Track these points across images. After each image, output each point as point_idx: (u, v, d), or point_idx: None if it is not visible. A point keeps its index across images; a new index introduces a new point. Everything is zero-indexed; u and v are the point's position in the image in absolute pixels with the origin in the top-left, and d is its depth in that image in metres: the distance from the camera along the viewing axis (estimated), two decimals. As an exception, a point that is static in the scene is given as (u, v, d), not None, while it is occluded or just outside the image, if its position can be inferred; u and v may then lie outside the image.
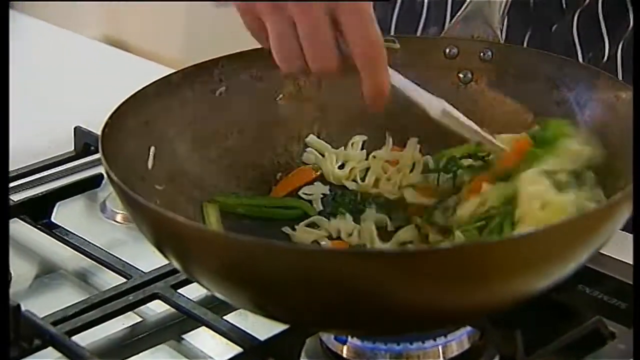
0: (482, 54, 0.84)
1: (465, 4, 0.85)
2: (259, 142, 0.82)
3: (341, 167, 0.84)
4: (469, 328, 0.71)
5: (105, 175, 0.92)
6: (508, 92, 0.82)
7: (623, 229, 0.84)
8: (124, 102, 0.75)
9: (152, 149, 0.76)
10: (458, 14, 0.85)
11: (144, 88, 0.77)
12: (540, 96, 0.81)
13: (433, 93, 0.78)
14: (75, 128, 0.99)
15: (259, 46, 0.76)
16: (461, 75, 0.84)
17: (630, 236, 0.87)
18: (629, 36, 0.98)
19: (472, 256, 0.58)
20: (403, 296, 0.59)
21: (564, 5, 0.97)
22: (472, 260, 0.58)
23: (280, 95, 0.83)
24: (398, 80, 0.74)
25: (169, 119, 0.78)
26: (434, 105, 0.74)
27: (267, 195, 0.82)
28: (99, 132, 0.72)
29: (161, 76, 0.80)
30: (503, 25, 0.95)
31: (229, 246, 0.59)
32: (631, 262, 0.80)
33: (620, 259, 0.81)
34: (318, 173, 0.84)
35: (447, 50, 0.84)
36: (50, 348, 0.71)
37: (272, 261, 0.57)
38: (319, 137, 0.84)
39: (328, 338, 0.72)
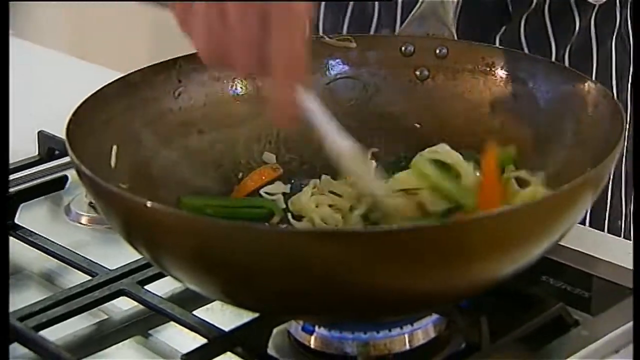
0: (437, 51, 0.85)
1: (419, 4, 0.86)
2: (219, 142, 0.83)
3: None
4: (435, 317, 0.72)
5: (69, 178, 0.93)
6: (465, 88, 0.84)
7: (582, 223, 0.86)
8: (85, 101, 0.75)
9: (114, 147, 0.76)
10: (412, 13, 0.87)
11: (103, 88, 0.77)
12: (496, 90, 0.82)
13: (391, 90, 0.80)
14: (38, 132, 0.99)
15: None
16: (418, 73, 0.85)
17: (592, 230, 0.89)
18: (575, 40, 1.00)
19: (437, 236, 0.59)
20: (367, 277, 0.60)
21: (511, 9, 0.99)
22: (436, 241, 0.59)
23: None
24: (312, 108, 0.70)
25: (129, 118, 0.78)
26: (341, 145, 0.71)
27: (229, 194, 0.82)
28: (63, 132, 0.72)
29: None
30: (453, 24, 0.97)
31: (197, 228, 0.59)
32: (592, 254, 0.82)
33: (582, 250, 0.82)
34: (279, 172, 0.84)
35: (403, 48, 0.86)
36: (15, 344, 0.70)
37: (239, 242, 0.58)
38: (277, 137, 0.84)
39: (295, 329, 0.72)
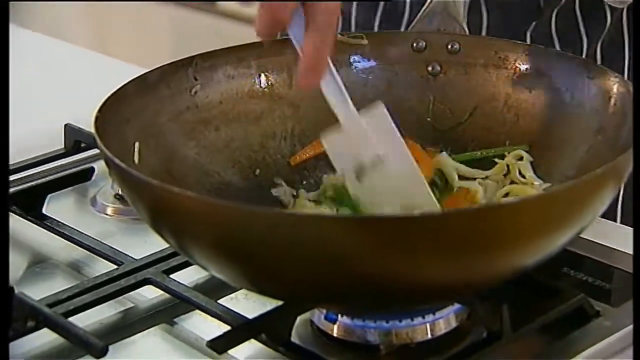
0: (449, 46, 0.85)
1: (429, 1, 0.87)
2: (235, 139, 0.84)
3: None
4: (456, 306, 0.73)
5: (95, 170, 0.94)
6: (478, 82, 0.84)
7: (606, 217, 0.86)
8: (107, 99, 0.76)
9: (137, 144, 0.77)
10: (422, 9, 0.88)
11: (123, 86, 0.78)
12: (510, 84, 0.83)
13: (403, 86, 0.82)
14: (65, 125, 1.00)
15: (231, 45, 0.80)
16: (430, 68, 0.86)
17: (612, 222, 0.90)
18: (607, 34, 1.00)
19: (466, 222, 0.60)
20: (390, 265, 0.61)
21: (542, 4, 0.99)
22: (464, 227, 0.60)
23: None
24: (332, 79, 0.74)
25: (149, 116, 0.79)
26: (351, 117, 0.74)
27: (248, 190, 0.82)
28: (89, 126, 0.73)
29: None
30: (482, 23, 0.98)
31: (223, 214, 0.60)
32: (613, 247, 0.82)
33: (602, 243, 0.82)
34: None
35: (415, 44, 0.86)
36: (44, 330, 0.72)
37: (265, 228, 0.59)
38: (292, 134, 0.85)
39: (318, 318, 0.73)
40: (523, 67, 0.83)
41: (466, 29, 0.85)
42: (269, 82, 0.85)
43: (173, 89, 0.81)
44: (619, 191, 0.99)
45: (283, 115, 0.85)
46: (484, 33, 0.99)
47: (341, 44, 0.86)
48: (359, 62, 0.87)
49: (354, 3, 1.06)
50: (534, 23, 0.99)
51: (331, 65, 0.73)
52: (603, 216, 0.85)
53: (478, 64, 0.84)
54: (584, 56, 0.99)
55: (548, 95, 0.80)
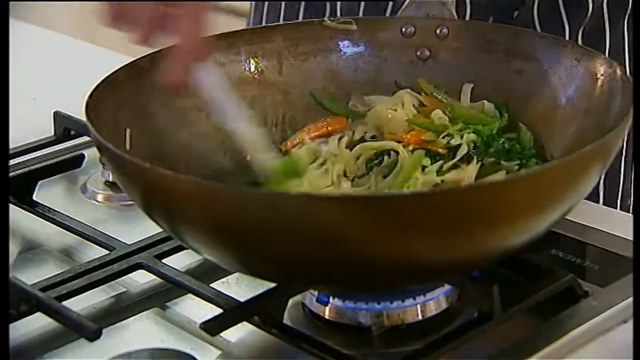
0: (438, 31, 0.86)
1: None
2: (226, 126, 0.84)
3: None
4: (447, 287, 0.73)
5: (85, 156, 0.94)
6: (467, 66, 0.85)
7: (591, 199, 0.87)
8: (98, 86, 0.76)
9: (128, 131, 0.77)
10: None
11: (114, 72, 0.79)
12: (499, 67, 0.83)
13: (393, 71, 0.83)
14: (54, 113, 1.01)
15: (221, 32, 0.81)
16: (419, 53, 0.87)
17: (601, 206, 0.91)
18: (588, 22, 1.00)
19: (454, 201, 0.60)
20: (379, 245, 0.61)
21: None
22: (452, 206, 0.60)
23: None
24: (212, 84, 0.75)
25: (139, 102, 0.79)
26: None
27: (241, 176, 0.82)
28: (79, 113, 0.73)
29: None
30: (466, 12, 0.98)
31: (215, 196, 0.61)
32: (602, 229, 0.83)
33: (591, 225, 0.83)
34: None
35: (404, 29, 0.87)
36: (37, 314, 0.72)
37: (255, 209, 0.59)
38: (283, 120, 0.86)
39: (310, 300, 0.74)
40: (511, 50, 0.83)
41: (455, 13, 0.86)
42: (259, 69, 0.86)
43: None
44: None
45: (273, 102, 0.86)
46: None
47: (330, 29, 0.87)
48: (348, 47, 0.87)
49: (302, 3, 1.07)
50: (517, 11, 1.00)
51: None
52: (587, 198, 0.87)
53: (467, 48, 0.85)
54: None
55: (536, 77, 0.81)
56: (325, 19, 0.87)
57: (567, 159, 0.66)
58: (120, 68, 0.79)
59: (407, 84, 0.86)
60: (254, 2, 1.13)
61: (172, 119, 0.81)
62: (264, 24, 1.10)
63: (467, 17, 0.99)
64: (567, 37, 1.00)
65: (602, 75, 0.76)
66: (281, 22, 1.06)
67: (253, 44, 0.85)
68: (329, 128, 0.84)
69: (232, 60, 0.85)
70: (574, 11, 1.00)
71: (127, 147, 0.76)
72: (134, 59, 0.81)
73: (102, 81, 0.77)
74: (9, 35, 0.81)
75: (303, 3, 1.07)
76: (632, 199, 1.04)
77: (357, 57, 0.87)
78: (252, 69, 0.85)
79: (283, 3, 1.08)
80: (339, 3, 1.06)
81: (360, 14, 1.06)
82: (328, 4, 1.04)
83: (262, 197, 0.62)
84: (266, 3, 1.10)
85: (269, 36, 0.85)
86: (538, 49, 0.82)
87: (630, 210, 1.01)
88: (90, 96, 0.75)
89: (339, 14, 1.06)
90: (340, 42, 0.87)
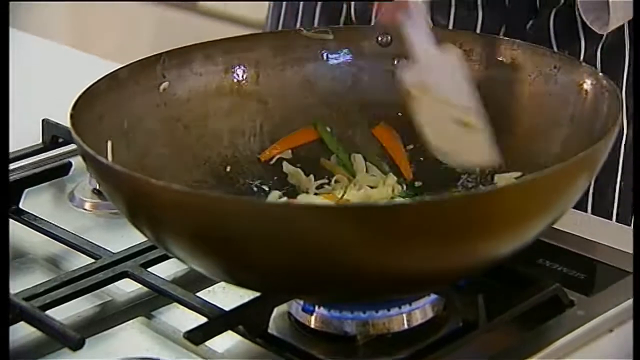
0: None
1: None
2: (204, 136, 0.84)
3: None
4: (432, 297, 0.73)
5: (72, 164, 0.94)
6: None
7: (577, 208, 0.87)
8: (80, 97, 0.76)
9: (109, 142, 0.77)
10: None
11: (95, 83, 0.78)
12: (476, 75, 0.82)
13: (370, 81, 0.83)
14: (43, 120, 1.00)
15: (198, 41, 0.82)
16: (396, 62, 0.86)
17: (588, 215, 0.91)
18: (607, 39, 0.97)
19: (440, 212, 0.60)
20: (365, 255, 0.61)
21: (538, 3, 0.98)
22: (438, 217, 0.60)
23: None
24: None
25: (119, 113, 0.79)
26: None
27: (220, 187, 0.82)
28: (67, 121, 0.73)
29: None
30: (477, 22, 0.98)
31: (198, 204, 0.60)
32: (589, 238, 0.83)
33: (578, 234, 0.83)
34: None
35: (380, 38, 0.87)
36: (21, 323, 0.72)
37: (240, 217, 0.59)
38: (261, 130, 0.85)
39: (296, 310, 0.74)
40: (489, 58, 0.83)
41: (431, 22, 0.86)
42: (237, 79, 0.85)
43: (142, 85, 0.81)
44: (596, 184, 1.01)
45: (252, 112, 0.86)
46: (478, 30, 0.99)
47: (307, 39, 0.87)
48: (324, 57, 0.87)
49: (319, 3, 1.07)
50: (531, 21, 0.98)
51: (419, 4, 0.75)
52: (575, 207, 0.87)
53: None
54: (581, 59, 0.97)
55: (516, 86, 0.81)
56: (302, 28, 0.87)
57: (552, 170, 0.66)
58: (101, 79, 0.79)
59: (384, 93, 0.85)
60: (271, 3, 1.14)
61: (152, 130, 0.81)
62: (281, 24, 1.10)
63: (479, 27, 0.98)
64: (582, 53, 0.98)
65: (585, 84, 0.76)
66: (299, 22, 1.07)
67: (230, 54, 0.85)
68: (303, 140, 0.84)
69: (210, 70, 0.85)
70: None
71: (109, 158, 0.76)
72: (114, 69, 0.81)
73: (84, 92, 0.77)
74: (8, 41, 0.80)
75: (320, 3, 1.07)
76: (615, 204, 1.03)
77: (333, 66, 0.87)
78: (230, 79, 0.85)
79: (301, 3, 1.08)
80: (353, 3, 1.06)
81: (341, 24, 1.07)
82: (344, 4, 1.04)
83: (246, 205, 0.62)
84: (284, 3, 1.11)
85: (246, 46, 0.85)
86: (516, 57, 0.81)
87: (614, 219, 1.00)
88: (74, 107, 0.75)
89: (353, 14, 1.06)
90: (317, 52, 0.87)
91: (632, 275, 0.75)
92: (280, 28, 1.11)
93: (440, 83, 0.77)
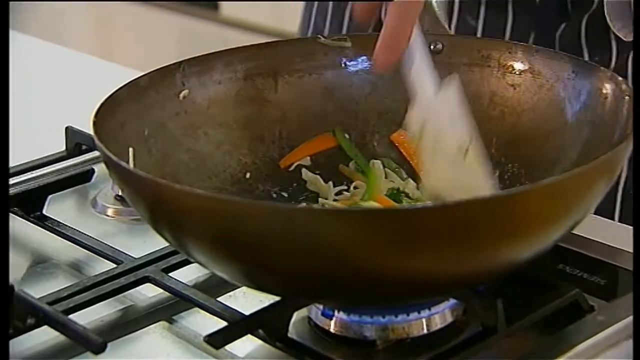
0: (432, 46, 0.85)
1: None
2: (224, 144, 0.84)
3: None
4: (452, 301, 0.73)
5: (95, 171, 0.95)
6: (462, 81, 0.84)
7: (604, 215, 0.87)
8: (102, 103, 0.77)
9: (131, 149, 0.78)
10: None
11: (115, 92, 0.79)
12: (494, 82, 0.83)
13: (388, 88, 0.83)
14: (66, 128, 1.01)
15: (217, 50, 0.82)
16: None
17: (607, 220, 0.90)
18: None
19: (459, 215, 0.61)
20: (386, 260, 0.62)
21: (570, 8, 0.97)
22: (457, 221, 0.61)
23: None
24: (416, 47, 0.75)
25: (140, 121, 0.80)
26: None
27: (240, 194, 0.83)
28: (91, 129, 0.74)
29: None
30: (506, 27, 0.97)
31: (220, 208, 0.61)
32: (609, 243, 0.83)
33: (598, 240, 0.83)
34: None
35: (432, 46, 0.86)
36: (44, 327, 0.72)
37: (261, 221, 0.60)
38: (280, 137, 0.86)
39: (315, 314, 0.74)
40: (507, 64, 0.83)
41: (447, 28, 0.86)
42: (256, 87, 0.86)
43: (162, 94, 0.82)
44: (618, 189, 1.00)
45: (271, 119, 0.86)
46: (507, 34, 0.99)
47: (324, 46, 0.87)
48: (342, 64, 0.87)
49: (349, 4, 1.07)
50: (562, 26, 0.97)
51: (418, 41, 0.74)
52: (601, 214, 0.86)
53: (462, 63, 0.84)
54: (612, 67, 0.96)
55: (534, 92, 0.81)
56: (320, 36, 0.88)
57: (571, 174, 0.66)
58: (122, 87, 0.80)
59: (402, 100, 0.85)
60: (303, 2, 1.14)
61: (172, 138, 0.82)
62: (312, 24, 1.10)
63: (508, 30, 0.98)
64: (613, 60, 0.97)
65: (604, 88, 0.76)
66: (327, 23, 1.08)
67: (250, 62, 0.86)
68: (321, 147, 0.85)
69: (229, 78, 0.85)
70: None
71: (131, 164, 0.77)
72: (135, 77, 0.82)
73: (106, 100, 0.78)
74: (8, 42, 0.81)
75: (350, 4, 1.07)
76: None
77: (352, 74, 0.87)
78: (249, 87, 0.86)
79: (331, 3, 1.08)
80: (383, 4, 1.06)
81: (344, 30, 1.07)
82: None
83: (268, 209, 0.62)
84: (315, 3, 1.11)
85: (265, 54, 0.86)
86: (534, 63, 0.82)
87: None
88: (96, 115, 0.76)
89: (382, 15, 1.06)
90: (335, 59, 0.87)
91: (632, 274, 0.75)
92: (310, 29, 1.12)
93: (439, 122, 0.77)
